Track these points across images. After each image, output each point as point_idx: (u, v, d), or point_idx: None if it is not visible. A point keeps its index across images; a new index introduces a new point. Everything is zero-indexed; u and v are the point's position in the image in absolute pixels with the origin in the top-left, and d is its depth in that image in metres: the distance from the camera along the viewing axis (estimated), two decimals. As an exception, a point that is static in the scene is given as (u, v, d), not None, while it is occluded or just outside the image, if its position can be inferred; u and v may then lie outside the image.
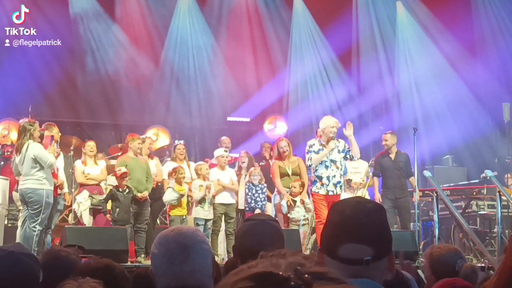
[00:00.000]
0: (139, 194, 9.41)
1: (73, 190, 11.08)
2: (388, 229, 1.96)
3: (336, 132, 9.21)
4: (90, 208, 9.74)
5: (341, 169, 9.26)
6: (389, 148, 10.44)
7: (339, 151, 9.21)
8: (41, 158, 8.26)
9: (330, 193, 9.04)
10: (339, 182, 9.17)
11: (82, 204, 9.72)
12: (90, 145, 10.23)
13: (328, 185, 9.09)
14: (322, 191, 9.07)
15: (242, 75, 14.89)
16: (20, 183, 8.56)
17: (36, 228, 8.24)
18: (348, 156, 9.27)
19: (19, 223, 9.32)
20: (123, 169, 9.30)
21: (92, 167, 10.07)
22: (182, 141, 10.66)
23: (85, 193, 9.81)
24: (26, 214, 8.44)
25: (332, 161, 9.16)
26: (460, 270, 3.79)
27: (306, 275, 1.05)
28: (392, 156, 10.37)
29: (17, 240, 9.13)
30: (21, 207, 8.86)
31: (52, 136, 8.80)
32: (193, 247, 2.35)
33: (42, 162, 8.26)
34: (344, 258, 1.85)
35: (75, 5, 13.86)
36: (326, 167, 9.14)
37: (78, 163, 10.15)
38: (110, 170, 10.47)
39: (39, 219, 8.25)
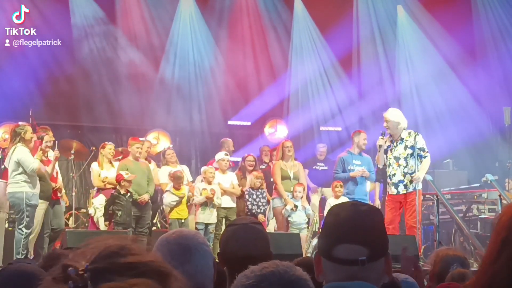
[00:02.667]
0: (139, 197, 9.40)
1: (73, 194, 11.08)
2: (384, 230, 1.95)
3: (389, 127, 8.89)
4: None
5: (405, 167, 8.85)
6: None
7: (406, 147, 8.87)
8: (23, 162, 8.27)
9: (397, 193, 8.84)
10: (401, 181, 8.85)
11: (99, 210, 9.43)
12: (111, 147, 10.08)
13: (392, 185, 8.88)
14: (390, 192, 8.88)
15: (242, 78, 14.88)
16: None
17: (23, 231, 8.25)
18: (421, 152, 8.81)
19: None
20: (126, 176, 9.21)
21: (108, 170, 9.88)
22: (170, 146, 10.65)
23: (101, 197, 9.57)
24: None
25: (395, 158, 8.86)
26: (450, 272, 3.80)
27: (85, 273, 1.02)
28: None
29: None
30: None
31: (41, 141, 8.70)
32: (194, 249, 2.34)
33: (24, 166, 8.27)
34: (338, 258, 1.84)
35: (76, 9, 13.86)
36: (389, 165, 8.87)
37: (94, 166, 9.97)
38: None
39: (24, 222, 8.26)
